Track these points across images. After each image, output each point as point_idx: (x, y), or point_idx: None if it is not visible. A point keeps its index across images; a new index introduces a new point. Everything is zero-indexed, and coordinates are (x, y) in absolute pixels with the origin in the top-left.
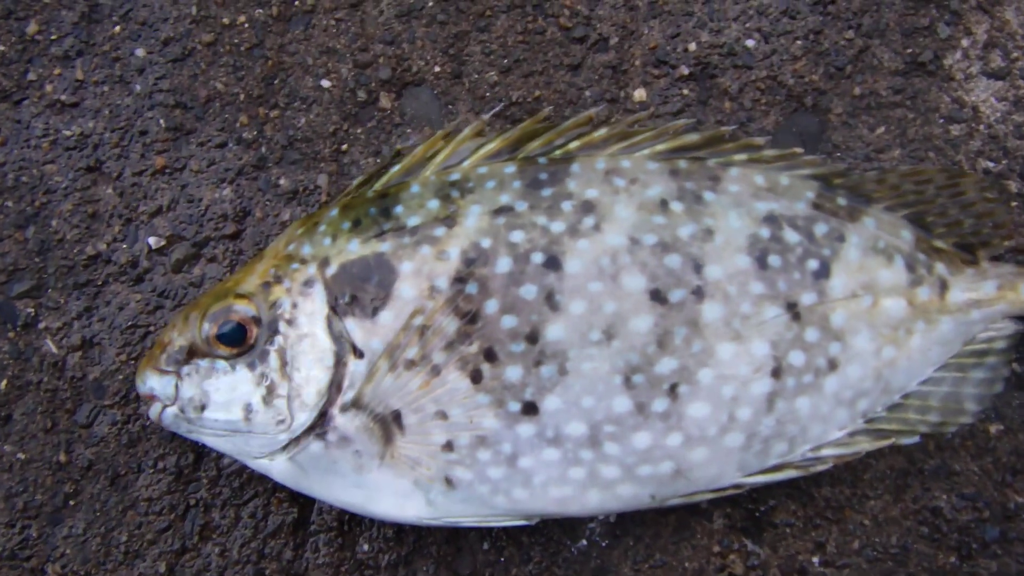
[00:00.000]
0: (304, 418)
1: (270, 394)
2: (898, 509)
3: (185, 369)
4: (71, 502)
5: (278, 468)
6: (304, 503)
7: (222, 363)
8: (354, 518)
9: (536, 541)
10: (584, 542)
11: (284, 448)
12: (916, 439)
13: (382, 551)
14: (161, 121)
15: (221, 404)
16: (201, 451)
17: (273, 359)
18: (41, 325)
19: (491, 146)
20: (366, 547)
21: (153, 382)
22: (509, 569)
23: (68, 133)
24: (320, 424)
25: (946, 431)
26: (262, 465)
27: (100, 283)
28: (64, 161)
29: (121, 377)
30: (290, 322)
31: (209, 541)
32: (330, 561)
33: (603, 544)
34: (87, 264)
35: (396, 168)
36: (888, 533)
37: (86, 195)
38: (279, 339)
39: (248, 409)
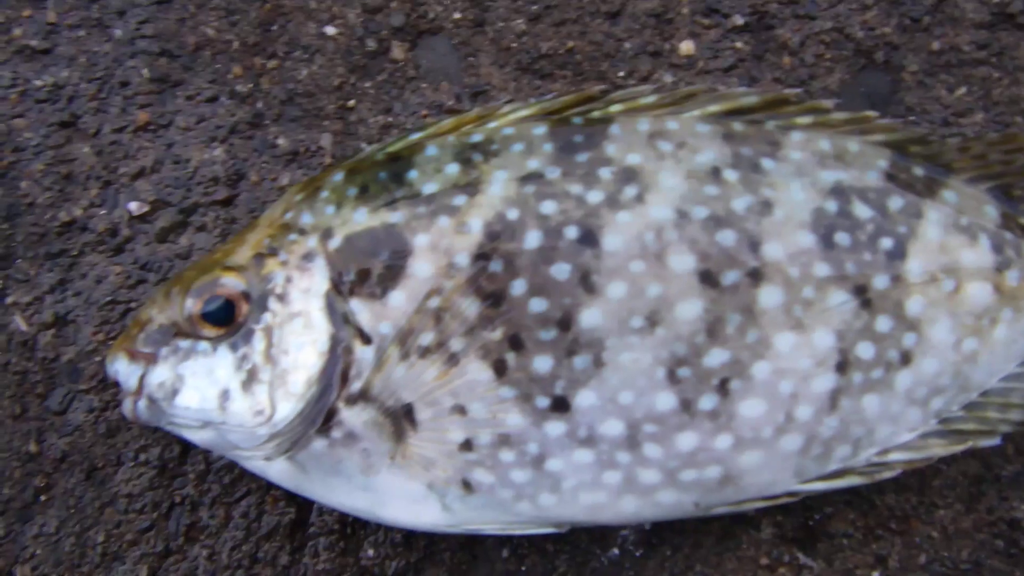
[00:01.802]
0: (288, 410)
1: (250, 380)
2: (971, 520)
3: (163, 351)
4: (42, 497)
5: (276, 468)
6: (303, 502)
7: (204, 344)
8: (358, 520)
9: (562, 549)
10: (616, 551)
11: (279, 446)
12: (997, 440)
13: (389, 557)
14: (144, 71)
15: (194, 390)
16: (188, 443)
17: (258, 340)
18: (9, 299)
19: (526, 112)
20: (371, 552)
21: (119, 366)
22: None
23: (39, 83)
24: (324, 418)
25: None
26: (258, 465)
27: (75, 253)
28: (35, 115)
29: (98, 359)
30: (281, 298)
31: (196, 543)
32: (331, 568)
33: (637, 554)
34: (61, 231)
35: (417, 136)
36: (959, 547)
37: (59, 154)
38: (267, 317)
39: (224, 396)
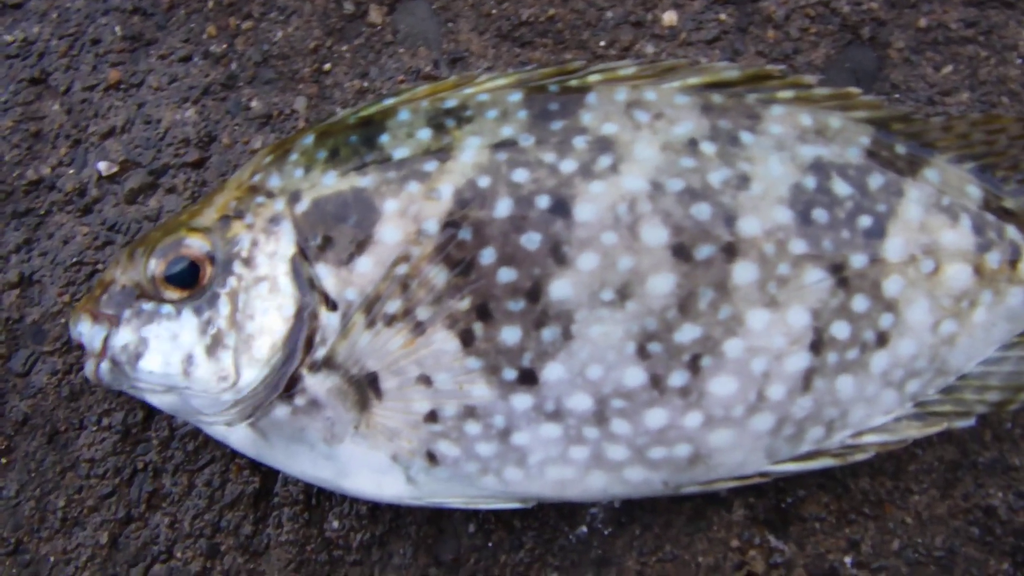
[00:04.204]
0: (252, 376)
1: (215, 344)
2: (946, 506)
3: (126, 313)
4: (3, 460)
5: (237, 435)
6: (267, 471)
7: (168, 307)
8: (323, 491)
9: (529, 526)
10: (584, 529)
11: (242, 411)
12: (971, 421)
13: (354, 529)
14: (117, 29)
15: (158, 354)
16: (152, 408)
17: (223, 304)
18: None
19: (503, 81)
20: (336, 524)
21: (83, 328)
22: (497, 556)
23: (9, 39)
24: (287, 385)
25: (1008, 409)
26: (219, 431)
27: (42, 212)
28: (4, 71)
29: (63, 320)
30: (247, 262)
31: (158, 510)
32: (294, 539)
33: (605, 532)
34: (28, 190)
35: (391, 101)
36: (933, 533)
37: (28, 111)
38: (232, 281)
39: (188, 361)
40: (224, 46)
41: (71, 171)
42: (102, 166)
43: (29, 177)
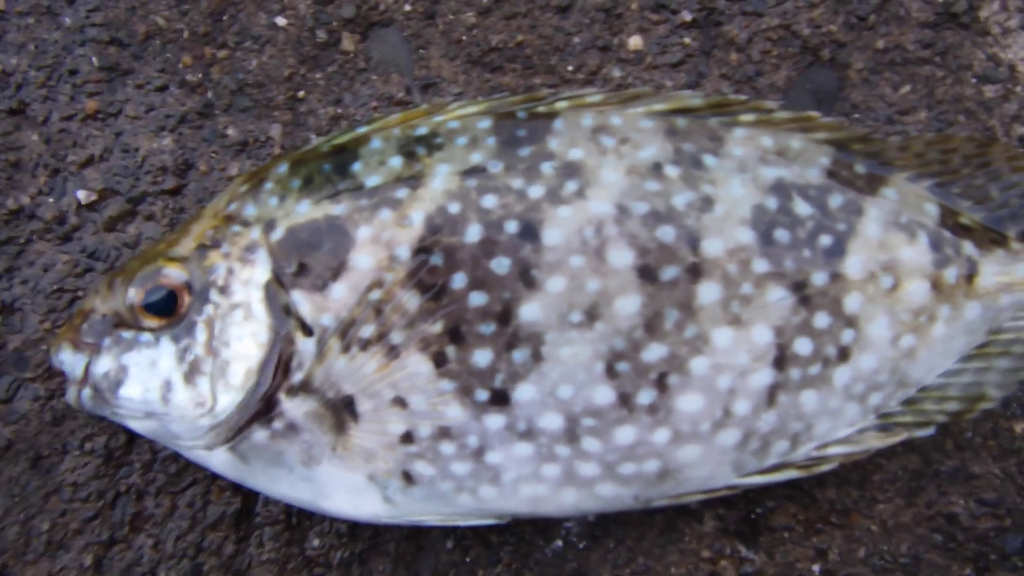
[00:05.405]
0: (228, 401)
1: (192, 371)
2: (910, 514)
3: (106, 342)
4: None
5: (217, 459)
6: (248, 492)
7: (146, 335)
8: (303, 510)
9: (506, 541)
10: (559, 543)
11: (219, 435)
12: (932, 431)
13: (334, 547)
14: (94, 59)
15: (137, 381)
16: (133, 433)
17: (200, 331)
18: None
19: (474, 109)
20: (316, 542)
21: (64, 356)
22: (475, 571)
23: None
24: (265, 409)
25: (966, 419)
26: (199, 456)
27: (23, 241)
28: None
29: (45, 347)
30: (222, 290)
31: (141, 532)
32: (276, 557)
33: (580, 546)
34: (8, 219)
35: (363, 129)
36: (898, 541)
37: (8, 141)
38: (208, 309)
39: (167, 388)
40: (200, 75)
41: (50, 200)
42: (81, 195)
43: (9, 206)
